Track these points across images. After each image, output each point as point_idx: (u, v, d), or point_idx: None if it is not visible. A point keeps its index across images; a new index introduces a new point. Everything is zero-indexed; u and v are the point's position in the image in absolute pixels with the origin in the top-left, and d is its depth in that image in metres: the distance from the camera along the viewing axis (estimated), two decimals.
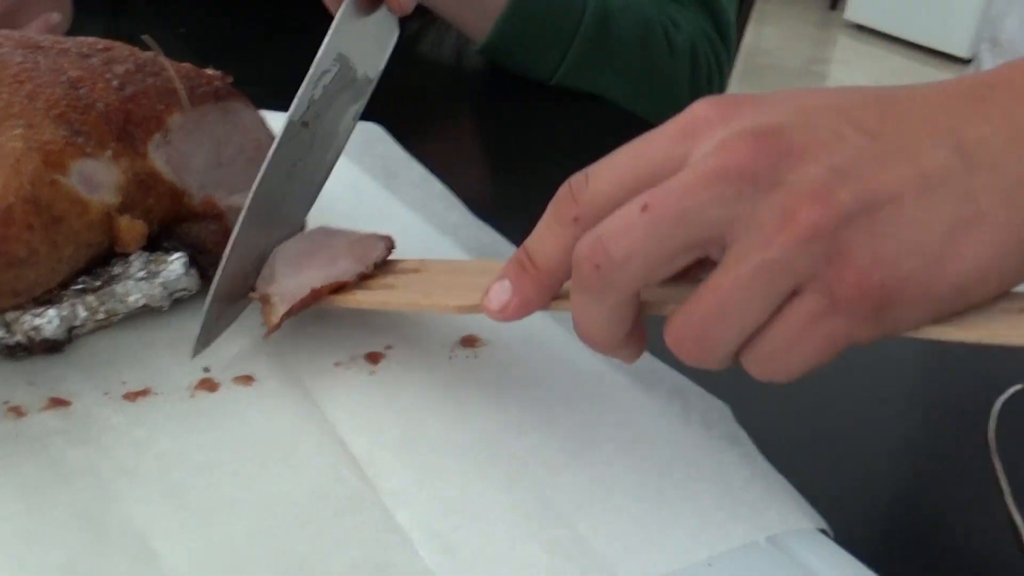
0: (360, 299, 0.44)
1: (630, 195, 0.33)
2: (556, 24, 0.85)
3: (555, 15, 0.85)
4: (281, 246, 0.45)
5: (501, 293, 0.37)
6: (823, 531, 0.38)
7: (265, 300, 0.44)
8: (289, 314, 0.43)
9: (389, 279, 0.45)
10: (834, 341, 0.33)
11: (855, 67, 4.28)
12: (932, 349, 0.55)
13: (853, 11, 4.75)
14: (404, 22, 0.58)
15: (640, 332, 0.37)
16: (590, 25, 0.85)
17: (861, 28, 4.74)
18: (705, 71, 0.91)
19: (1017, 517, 0.42)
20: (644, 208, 0.32)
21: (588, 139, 0.82)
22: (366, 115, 0.69)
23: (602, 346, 0.37)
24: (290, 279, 0.44)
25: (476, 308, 0.39)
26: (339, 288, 0.44)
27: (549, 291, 0.37)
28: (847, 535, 0.38)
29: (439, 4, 0.85)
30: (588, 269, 0.33)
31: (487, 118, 0.86)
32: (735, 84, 1.04)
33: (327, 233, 0.47)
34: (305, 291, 0.43)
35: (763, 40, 4.51)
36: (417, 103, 0.85)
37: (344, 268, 0.44)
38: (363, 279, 0.45)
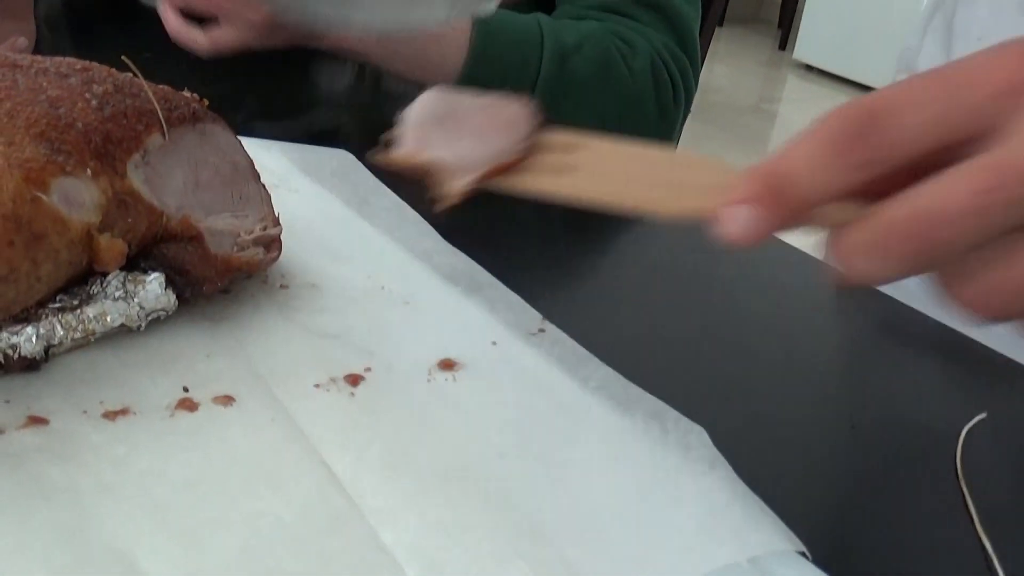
0: (545, 184, 0.37)
1: (935, 147, 0.30)
2: (515, 73, 0.86)
3: (513, 65, 0.86)
4: (410, 109, 0.39)
5: (746, 217, 0.32)
6: (802, 553, 0.38)
7: (426, 170, 0.38)
8: (479, 182, 0.37)
9: (556, 157, 0.38)
10: None
11: (805, 106, 4.35)
12: (902, 377, 0.57)
13: (801, 51, 4.84)
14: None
15: None
16: (549, 69, 0.86)
17: (809, 68, 4.83)
18: (667, 86, 0.93)
19: (986, 540, 0.43)
20: (977, 193, 0.28)
21: None
22: (339, 144, 0.70)
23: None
24: (449, 146, 0.38)
25: (702, 213, 0.33)
26: (509, 168, 0.37)
27: (801, 221, 0.32)
28: (824, 557, 0.38)
29: (394, 69, 0.87)
30: (903, 248, 0.29)
31: None
32: (687, 121, 1.05)
33: (451, 97, 0.40)
34: (483, 165, 0.37)
35: (715, 78, 4.57)
36: (381, 133, 0.85)
37: (498, 143, 0.38)
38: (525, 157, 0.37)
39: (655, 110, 0.92)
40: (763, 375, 0.54)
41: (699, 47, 0.98)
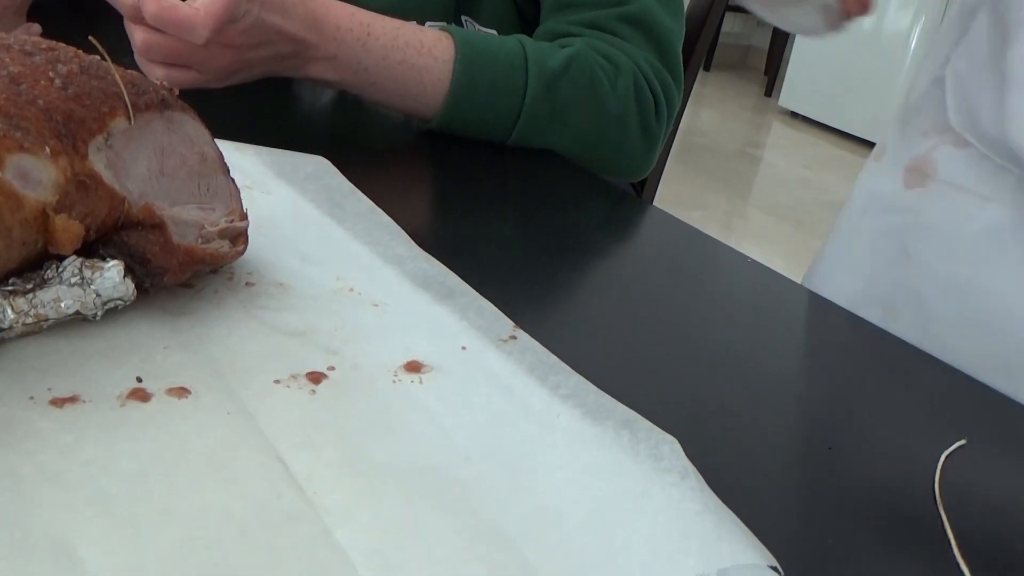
0: None
1: None
2: (502, 100, 0.85)
3: (499, 90, 0.85)
4: None
5: None
6: (774, 568, 0.37)
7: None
8: None
9: None
10: None
11: (788, 152, 4.38)
12: (882, 402, 0.56)
13: (787, 99, 4.89)
14: None
15: None
16: (536, 94, 0.85)
17: (794, 115, 4.87)
18: (650, 103, 0.92)
19: (964, 567, 0.42)
20: None
21: (535, 181, 0.82)
22: (313, 150, 0.69)
23: None
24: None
25: None
26: None
27: None
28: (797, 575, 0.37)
29: (380, 100, 0.85)
30: None
31: (435, 162, 0.85)
32: (671, 163, 1.05)
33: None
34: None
35: (700, 122, 4.60)
36: (364, 142, 0.84)
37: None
38: None
39: (638, 127, 0.92)
40: (739, 393, 0.53)
41: (682, 63, 0.98)
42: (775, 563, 0.37)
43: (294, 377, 0.42)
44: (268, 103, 0.85)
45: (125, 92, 0.44)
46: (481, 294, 0.53)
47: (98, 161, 0.42)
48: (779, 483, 0.46)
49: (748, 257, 0.72)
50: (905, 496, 0.46)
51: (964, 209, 0.75)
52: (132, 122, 0.44)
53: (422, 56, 0.83)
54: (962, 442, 0.50)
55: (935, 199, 0.77)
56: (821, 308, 0.66)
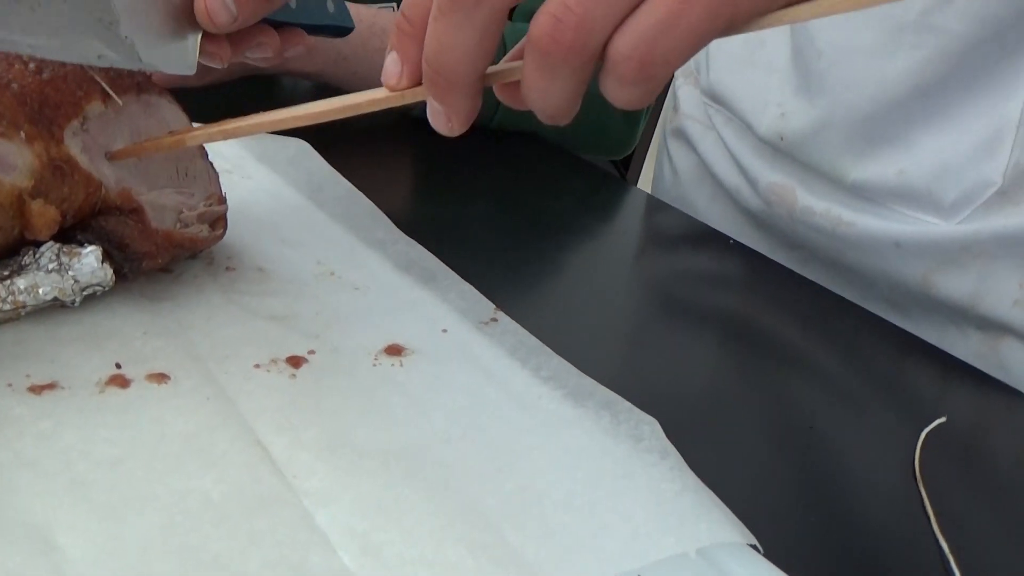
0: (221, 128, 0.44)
1: None
2: None
3: None
4: None
5: (392, 65, 0.37)
6: (754, 547, 0.37)
7: None
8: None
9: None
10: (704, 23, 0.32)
11: None
12: (862, 381, 0.56)
13: None
14: None
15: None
16: None
17: None
18: None
19: (943, 543, 0.42)
20: None
21: (517, 164, 0.82)
22: (293, 133, 0.68)
23: (461, 76, 0.35)
24: None
25: (383, 100, 0.40)
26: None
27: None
28: (778, 553, 0.37)
29: (357, 89, 0.84)
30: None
31: (416, 147, 0.85)
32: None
33: None
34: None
35: None
36: (344, 125, 0.84)
37: None
38: None
39: (620, 111, 0.92)
40: (719, 373, 0.53)
41: None
42: (754, 541, 0.37)
43: (274, 361, 0.42)
44: (247, 87, 0.85)
45: (100, 76, 0.43)
46: (462, 277, 0.53)
47: (74, 145, 0.42)
48: (760, 462, 0.46)
49: (731, 238, 0.72)
50: (885, 473, 0.47)
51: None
52: (108, 106, 0.43)
53: None
54: (942, 419, 0.51)
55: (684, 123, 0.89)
56: (797, 287, 0.67)
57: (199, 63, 0.45)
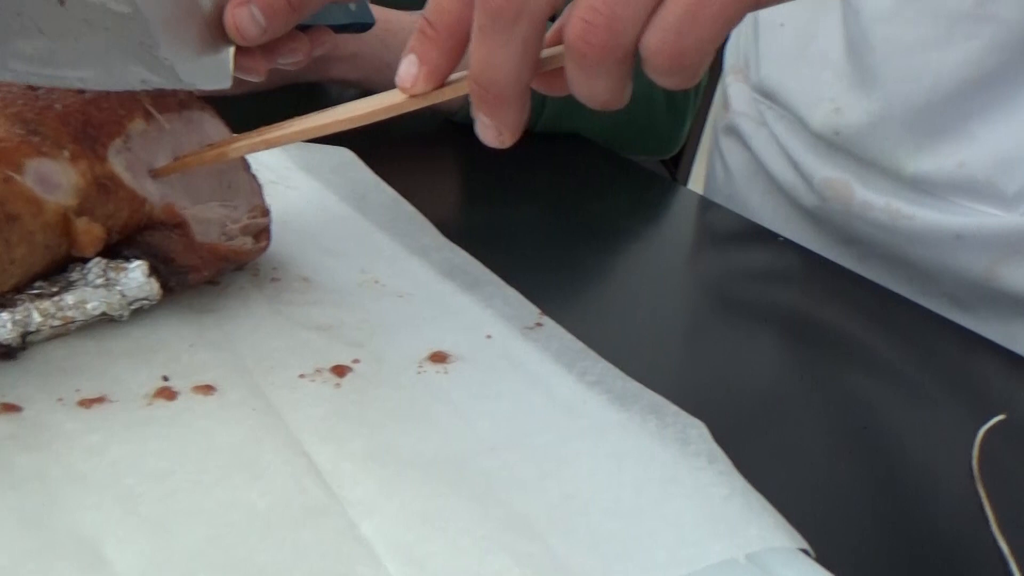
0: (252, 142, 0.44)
1: None
2: None
3: None
4: None
5: (409, 67, 0.38)
6: (804, 551, 0.36)
7: None
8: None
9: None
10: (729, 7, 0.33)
11: None
12: (918, 379, 0.55)
13: None
14: None
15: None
16: None
17: None
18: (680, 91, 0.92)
19: (1003, 544, 0.41)
20: None
21: (561, 166, 0.82)
22: (336, 142, 0.69)
23: (508, 90, 0.36)
24: None
25: (397, 107, 0.40)
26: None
27: (455, 53, 0.37)
28: (829, 558, 0.37)
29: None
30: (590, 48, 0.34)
31: (460, 152, 0.85)
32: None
33: None
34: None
35: None
36: (390, 136, 0.84)
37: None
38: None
39: (664, 103, 0.91)
40: (769, 374, 0.52)
41: None
42: (805, 545, 0.36)
43: (319, 371, 0.42)
44: (292, 97, 0.86)
45: (144, 95, 0.44)
46: (507, 282, 0.53)
47: (118, 163, 0.42)
48: (812, 464, 0.45)
49: (780, 236, 0.71)
50: (942, 474, 0.46)
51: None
52: (150, 124, 0.44)
53: None
54: (1001, 417, 0.50)
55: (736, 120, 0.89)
56: (851, 285, 0.66)
57: (236, 76, 0.46)
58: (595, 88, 0.36)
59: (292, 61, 0.50)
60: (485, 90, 0.36)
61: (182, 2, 0.44)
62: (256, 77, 0.47)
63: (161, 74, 0.44)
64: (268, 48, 0.48)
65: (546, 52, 0.37)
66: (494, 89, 0.36)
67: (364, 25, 0.61)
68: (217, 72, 0.46)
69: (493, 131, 0.38)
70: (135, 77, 0.43)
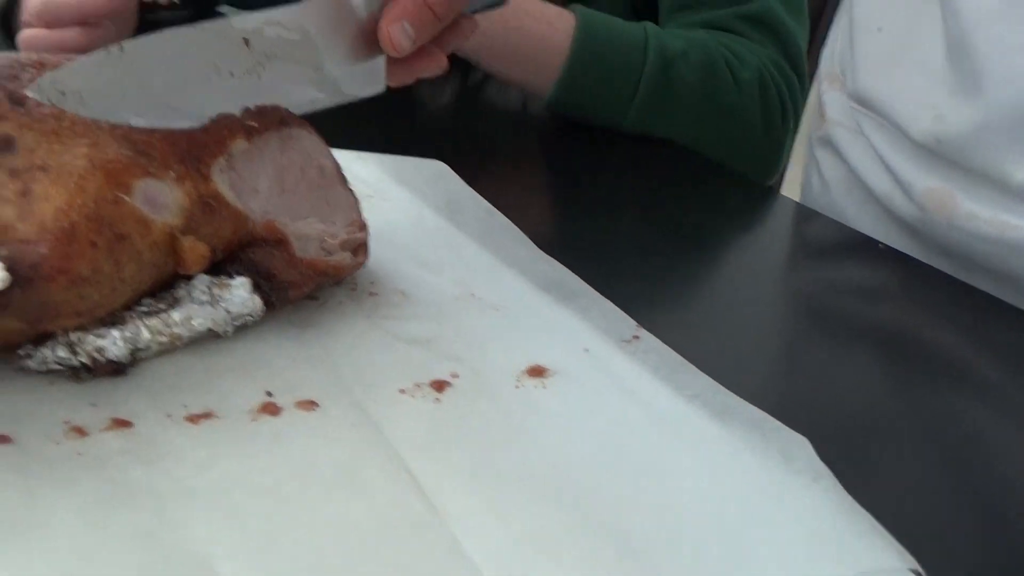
0: None
1: None
2: (619, 73, 0.85)
3: (616, 65, 0.84)
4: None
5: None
6: (915, 572, 0.36)
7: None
8: None
9: None
10: None
11: None
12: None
13: None
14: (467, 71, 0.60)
15: None
16: (653, 71, 0.84)
17: None
18: (776, 102, 0.90)
19: None
20: None
21: (656, 175, 0.81)
22: (428, 155, 0.69)
23: None
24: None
25: None
26: None
27: None
28: None
29: (497, 69, 0.86)
30: None
31: (553, 162, 0.85)
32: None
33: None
34: None
35: None
36: (483, 148, 0.85)
37: None
38: None
39: (761, 125, 0.90)
40: (870, 389, 0.51)
41: (807, 64, 0.96)
42: (916, 565, 0.36)
43: (418, 386, 0.43)
44: (381, 111, 0.87)
45: (247, 115, 0.45)
46: (603, 294, 0.52)
47: (221, 182, 0.43)
48: (919, 481, 0.44)
49: (880, 243, 0.70)
50: None
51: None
52: (252, 143, 0.45)
53: (540, 24, 0.83)
54: None
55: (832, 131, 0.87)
56: (957, 295, 0.64)
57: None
58: None
59: (437, 67, 0.54)
60: None
61: (339, 18, 0.47)
62: (406, 81, 0.52)
63: (326, 90, 0.48)
64: (416, 55, 0.51)
65: None
66: None
67: (498, 3, 0.62)
68: (372, 79, 0.50)
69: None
70: (306, 98, 0.47)
